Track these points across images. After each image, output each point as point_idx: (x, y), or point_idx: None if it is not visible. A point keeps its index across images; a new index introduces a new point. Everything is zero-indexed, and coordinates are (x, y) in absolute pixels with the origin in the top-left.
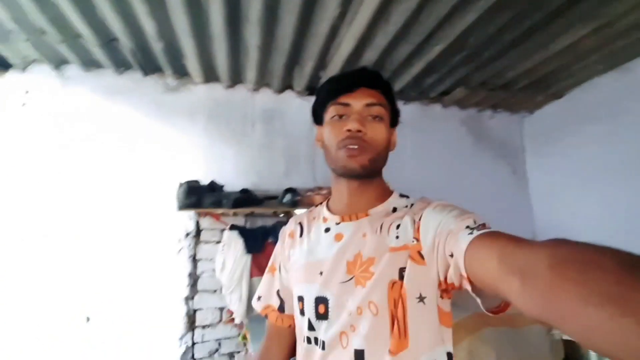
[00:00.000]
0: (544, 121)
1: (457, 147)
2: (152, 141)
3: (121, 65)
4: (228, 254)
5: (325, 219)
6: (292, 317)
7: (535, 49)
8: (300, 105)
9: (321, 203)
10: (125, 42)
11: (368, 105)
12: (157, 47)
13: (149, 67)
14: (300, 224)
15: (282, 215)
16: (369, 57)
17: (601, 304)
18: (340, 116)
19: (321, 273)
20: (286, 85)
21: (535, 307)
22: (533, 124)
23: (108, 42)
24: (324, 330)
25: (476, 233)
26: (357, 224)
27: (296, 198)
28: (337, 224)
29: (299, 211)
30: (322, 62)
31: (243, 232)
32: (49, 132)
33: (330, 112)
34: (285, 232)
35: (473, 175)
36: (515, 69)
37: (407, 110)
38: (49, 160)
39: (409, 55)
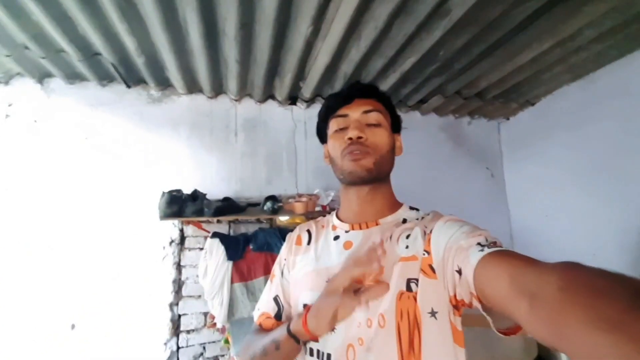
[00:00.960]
0: (519, 127)
1: (437, 152)
2: (137, 151)
3: (104, 77)
4: (210, 260)
5: (334, 227)
6: None
7: (502, 61)
8: (282, 114)
9: (330, 213)
10: (107, 57)
11: (365, 112)
12: (138, 61)
13: (132, 79)
14: (309, 231)
15: (264, 222)
16: (345, 69)
17: (609, 331)
18: (342, 129)
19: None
20: (268, 95)
21: (543, 330)
22: (509, 130)
23: (90, 56)
24: (329, 342)
25: (487, 250)
26: (367, 233)
27: (277, 205)
28: (347, 232)
29: (282, 217)
30: (301, 73)
31: (224, 239)
32: (32, 144)
33: (332, 126)
34: (292, 238)
35: (453, 179)
36: (487, 79)
37: None
38: (33, 172)
39: (384, 67)
